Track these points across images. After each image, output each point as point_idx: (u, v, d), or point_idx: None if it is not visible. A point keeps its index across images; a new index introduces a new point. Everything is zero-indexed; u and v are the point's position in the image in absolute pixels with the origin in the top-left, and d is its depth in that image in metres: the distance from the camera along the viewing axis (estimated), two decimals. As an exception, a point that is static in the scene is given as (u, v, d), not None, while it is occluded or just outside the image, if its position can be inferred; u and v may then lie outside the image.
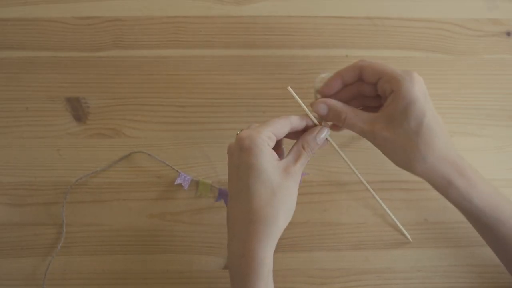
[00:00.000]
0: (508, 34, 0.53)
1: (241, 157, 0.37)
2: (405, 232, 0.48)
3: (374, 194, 0.47)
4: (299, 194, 0.50)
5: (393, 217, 0.48)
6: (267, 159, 0.37)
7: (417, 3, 0.53)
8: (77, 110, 0.51)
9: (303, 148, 0.40)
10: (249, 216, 0.37)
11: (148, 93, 0.52)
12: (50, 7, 0.53)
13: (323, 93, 0.43)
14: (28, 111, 0.51)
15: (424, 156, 0.39)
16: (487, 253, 0.48)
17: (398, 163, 0.41)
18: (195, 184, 0.50)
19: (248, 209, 0.37)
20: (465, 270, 0.48)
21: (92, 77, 0.52)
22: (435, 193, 0.50)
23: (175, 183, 0.49)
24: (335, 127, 0.44)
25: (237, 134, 0.39)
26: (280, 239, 0.49)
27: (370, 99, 0.43)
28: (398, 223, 0.48)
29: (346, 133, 0.51)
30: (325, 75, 0.43)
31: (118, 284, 0.48)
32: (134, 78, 0.52)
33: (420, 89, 0.38)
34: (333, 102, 0.42)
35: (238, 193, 0.38)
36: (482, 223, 0.41)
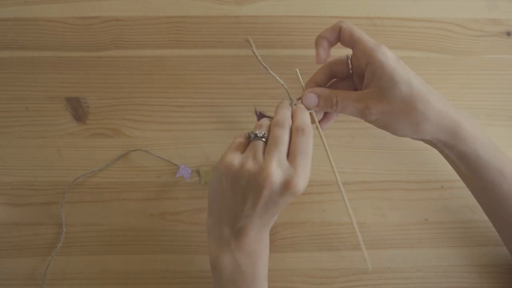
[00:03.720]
0: (508, 34, 0.53)
1: (286, 201, 0.37)
2: (367, 257, 0.45)
3: (345, 196, 0.43)
4: (299, 194, 0.50)
5: (355, 225, 0.45)
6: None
7: (417, 3, 0.53)
8: (77, 110, 0.51)
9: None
10: (263, 236, 0.40)
11: (148, 93, 0.52)
12: (50, 7, 0.53)
13: (319, 58, 0.43)
14: (28, 111, 0.51)
15: (426, 114, 0.39)
16: (487, 253, 0.48)
17: (403, 132, 0.41)
18: (197, 174, 0.50)
19: (264, 231, 0.40)
20: (465, 270, 0.48)
21: (92, 77, 0.52)
22: (435, 193, 0.50)
23: (177, 176, 0.49)
24: (324, 121, 0.43)
25: (253, 137, 0.38)
26: (280, 239, 0.49)
27: (344, 83, 0.44)
28: (359, 236, 0.44)
29: (346, 133, 0.51)
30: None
31: (118, 284, 0.48)
32: (134, 78, 0.52)
33: (392, 56, 0.39)
34: (320, 89, 0.42)
35: (256, 216, 0.37)
36: (486, 179, 0.41)
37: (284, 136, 0.37)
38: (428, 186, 0.50)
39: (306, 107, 0.41)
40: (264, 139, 0.38)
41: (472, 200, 0.49)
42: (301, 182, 0.35)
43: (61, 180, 0.50)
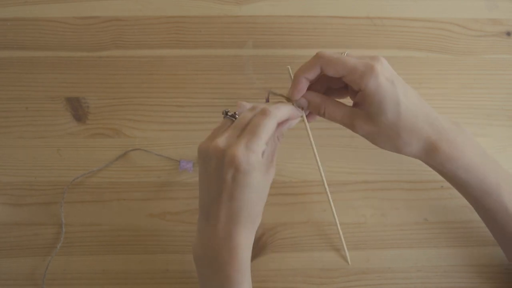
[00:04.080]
0: (508, 34, 0.53)
1: (235, 177, 0.36)
2: (347, 253, 0.48)
3: (330, 197, 0.46)
4: (299, 194, 0.50)
5: (339, 227, 0.47)
6: (258, 175, 0.37)
7: (417, 3, 0.53)
8: (77, 110, 0.51)
9: (278, 139, 0.41)
10: (236, 219, 0.37)
11: (148, 93, 0.52)
12: (50, 7, 0.53)
13: (293, 96, 0.41)
14: (28, 111, 0.51)
15: (408, 141, 0.40)
16: (487, 253, 0.48)
17: (385, 148, 0.42)
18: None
19: (236, 215, 0.37)
20: (465, 270, 0.48)
21: (92, 77, 0.52)
22: (435, 193, 0.50)
23: (180, 169, 0.49)
24: (310, 118, 0.43)
25: (225, 114, 0.39)
26: (280, 239, 0.49)
27: (340, 90, 0.44)
28: (342, 236, 0.47)
29: (345, 133, 0.51)
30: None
31: (118, 284, 0.48)
32: (134, 78, 0.52)
33: (385, 79, 0.38)
34: (312, 96, 0.41)
35: (223, 200, 0.37)
36: (469, 194, 0.42)
37: (245, 118, 0.38)
38: (428, 186, 0.50)
39: (297, 105, 0.42)
40: (234, 118, 0.39)
41: (472, 200, 0.49)
42: (239, 151, 0.35)
43: (61, 180, 0.50)
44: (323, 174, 0.45)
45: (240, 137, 0.37)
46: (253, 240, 0.39)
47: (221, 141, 0.37)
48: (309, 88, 0.42)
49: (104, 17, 0.53)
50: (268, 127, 0.37)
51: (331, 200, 0.46)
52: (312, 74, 0.40)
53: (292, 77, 0.42)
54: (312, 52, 0.43)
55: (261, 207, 0.39)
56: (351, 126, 0.41)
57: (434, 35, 0.53)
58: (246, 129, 0.37)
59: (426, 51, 0.53)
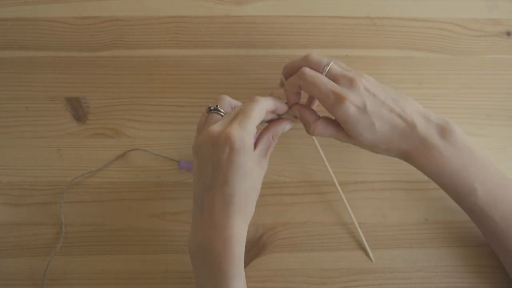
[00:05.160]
0: (508, 34, 0.53)
1: (230, 156, 0.38)
2: (369, 251, 0.48)
3: (343, 197, 0.48)
4: (299, 194, 0.50)
5: (357, 226, 0.49)
6: (251, 158, 0.39)
7: (417, 3, 0.53)
8: (77, 110, 0.51)
9: (273, 139, 0.42)
10: (229, 207, 0.38)
11: (148, 93, 0.52)
12: (50, 7, 0.53)
13: (290, 108, 0.45)
14: (28, 111, 0.51)
15: (386, 151, 0.43)
16: (487, 253, 0.48)
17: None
18: None
19: (229, 202, 0.38)
20: (465, 270, 0.48)
21: (92, 77, 0.52)
22: (435, 193, 0.50)
23: (178, 168, 0.50)
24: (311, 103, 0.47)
25: (208, 110, 0.41)
26: (280, 239, 0.49)
27: None
28: (361, 233, 0.49)
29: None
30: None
31: (118, 284, 0.48)
32: (134, 78, 0.52)
33: (355, 108, 0.40)
34: (305, 113, 0.44)
35: (218, 185, 0.39)
36: (449, 196, 0.44)
37: (259, 110, 0.40)
38: (428, 186, 0.50)
39: (293, 113, 0.44)
40: (221, 112, 0.41)
41: (472, 200, 0.49)
42: (233, 129, 0.38)
43: (61, 180, 0.50)
44: (332, 174, 0.48)
45: (233, 120, 0.39)
46: (245, 234, 0.40)
47: (215, 127, 0.39)
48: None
49: (104, 17, 0.53)
50: (258, 110, 0.40)
51: (344, 199, 0.48)
52: (298, 87, 0.43)
53: (284, 81, 0.45)
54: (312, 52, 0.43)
55: (254, 198, 0.40)
56: (337, 139, 0.44)
57: (434, 35, 0.53)
58: (238, 114, 0.40)
59: (426, 51, 0.53)
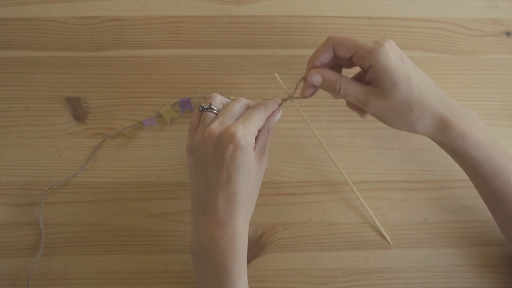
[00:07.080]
0: (508, 34, 0.53)
1: (234, 154, 0.38)
2: (386, 235, 0.49)
3: (358, 194, 0.48)
4: (299, 194, 0.50)
5: (374, 218, 0.49)
6: (253, 157, 0.40)
7: (417, 3, 0.53)
8: (77, 110, 0.51)
9: (268, 133, 0.42)
10: (233, 206, 0.39)
11: (148, 93, 0.52)
12: (50, 7, 0.53)
13: (309, 72, 0.43)
14: (28, 111, 0.51)
15: (420, 116, 0.40)
16: (487, 253, 0.48)
17: (398, 127, 0.42)
18: (161, 120, 0.51)
19: (233, 200, 0.39)
20: (465, 270, 0.48)
21: (92, 77, 0.52)
22: (435, 193, 0.50)
23: (145, 125, 0.50)
24: (305, 91, 0.44)
25: (201, 109, 0.42)
26: (280, 239, 0.49)
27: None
28: (379, 225, 0.49)
29: (346, 133, 0.51)
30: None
31: (118, 284, 0.48)
32: (134, 78, 0.52)
33: (395, 56, 0.39)
34: (327, 72, 0.42)
35: (221, 184, 0.39)
36: (478, 173, 0.42)
37: (234, 107, 0.41)
38: (428, 186, 0.50)
39: (310, 82, 0.42)
40: (214, 110, 0.42)
41: (472, 200, 0.49)
42: (238, 128, 0.38)
43: (61, 180, 0.50)
44: (344, 173, 0.48)
45: (236, 120, 0.40)
46: (248, 231, 0.40)
47: (215, 126, 0.39)
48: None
49: (104, 17, 0.53)
50: (260, 115, 0.41)
51: (360, 196, 0.48)
52: (326, 57, 0.42)
53: (281, 82, 0.45)
54: (312, 52, 0.43)
55: (255, 196, 0.41)
56: (365, 103, 0.41)
57: (434, 35, 0.53)
58: (239, 118, 0.41)
59: (426, 51, 0.53)
